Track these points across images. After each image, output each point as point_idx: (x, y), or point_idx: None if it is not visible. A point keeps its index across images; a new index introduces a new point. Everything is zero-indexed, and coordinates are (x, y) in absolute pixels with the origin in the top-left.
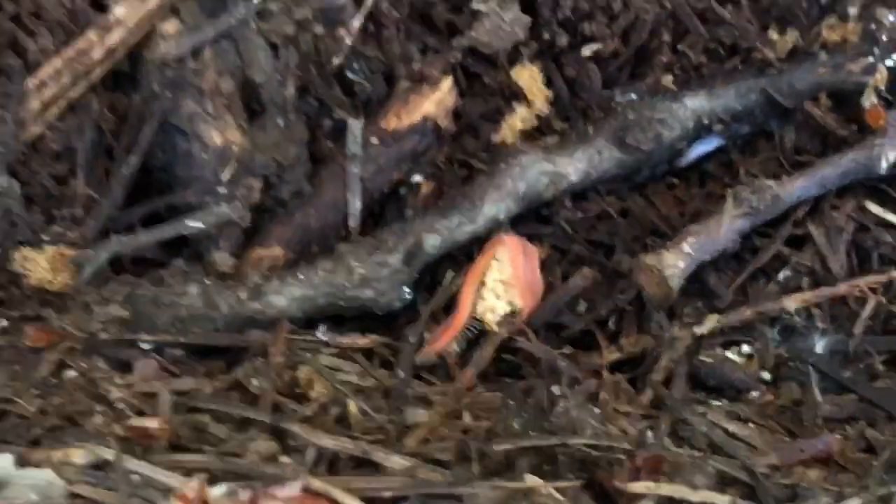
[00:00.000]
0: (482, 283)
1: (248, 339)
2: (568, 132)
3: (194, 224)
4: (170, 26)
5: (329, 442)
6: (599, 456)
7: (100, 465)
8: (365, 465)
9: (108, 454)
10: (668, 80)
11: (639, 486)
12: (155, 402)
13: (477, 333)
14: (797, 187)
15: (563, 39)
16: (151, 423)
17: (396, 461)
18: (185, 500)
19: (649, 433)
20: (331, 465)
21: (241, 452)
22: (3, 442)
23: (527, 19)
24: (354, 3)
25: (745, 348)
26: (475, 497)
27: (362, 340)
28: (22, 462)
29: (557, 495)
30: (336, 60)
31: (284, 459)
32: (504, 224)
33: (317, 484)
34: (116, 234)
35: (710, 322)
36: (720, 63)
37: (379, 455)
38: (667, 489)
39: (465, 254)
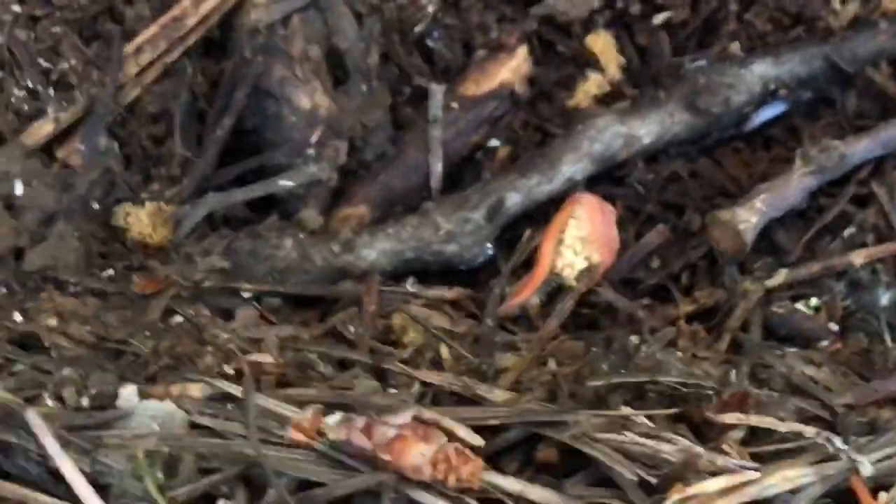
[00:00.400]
0: (561, 240)
1: (342, 290)
2: (640, 97)
3: (285, 183)
4: None
5: (431, 377)
6: (687, 393)
7: (217, 398)
8: (465, 402)
9: (226, 387)
10: (735, 47)
11: (729, 418)
12: (258, 346)
13: (556, 288)
14: (861, 147)
15: (635, 8)
16: (265, 359)
17: (498, 394)
18: (301, 429)
19: (732, 373)
20: (433, 400)
21: (348, 388)
22: (122, 379)
23: None
24: None
25: (814, 301)
26: (579, 423)
27: (449, 293)
28: (143, 395)
29: (651, 424)
30: (417, 29)
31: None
32: (580, 184)
33: (427, 413)
34: (212, 192)
35: (780, 276)
36: (785, 31)
37: (481, 389)
38: (756, 421)
39: (543, 213)
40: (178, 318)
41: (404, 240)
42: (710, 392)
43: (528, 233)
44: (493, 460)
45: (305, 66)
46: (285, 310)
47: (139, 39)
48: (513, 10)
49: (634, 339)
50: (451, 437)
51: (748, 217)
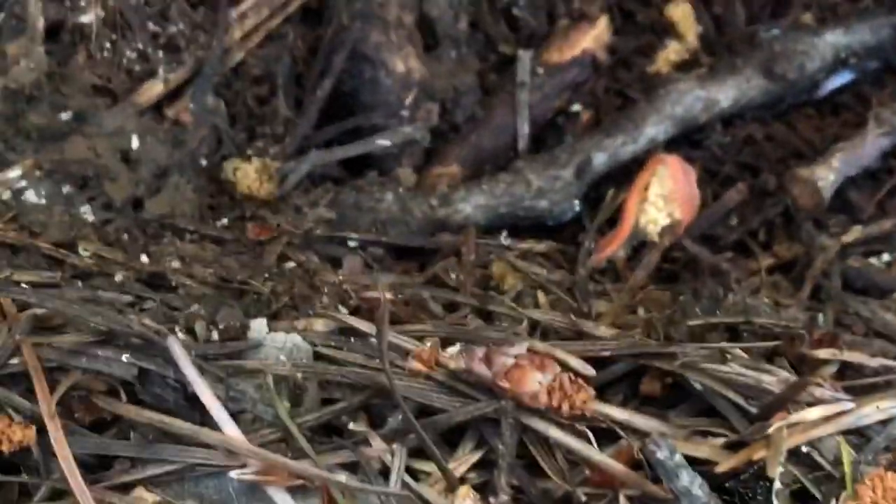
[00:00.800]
0: (645, 197)
1: (442, 241)
2: (718, 64)
3: (383, 142)
4: None
5: (539, 315)
6: (779, 333)
7: (340, 331)
8: (571, 339)
9: (349, 321)
10: (807, 17)
11: (824, 353)
12: (368, 289)
13: (640, 243)
14: None
15: None
16: (383, 294)
17: (605, 330)
18: (422, 359)
19: (819, 317)
20: (542, 336)
21: (462, 325)
22: (247, 315)
23: None
24: None
25: (886, 256)
26: (686, 353)
27: (540, 245)
28: (271, 328)
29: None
30: None
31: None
32: (661, 145)
33: (540, 345)
34: (313, 150)
35: (855, 232)
36: (854, 2)
37: (588, 325)
38: (848, 356)
39: (626, 172)
40: (291, 264)
41: (498, 195)
42: (801, 332)
43: (612, 191)
44: (600, 393)
45: (400, 32)
46: (387, 259)
47: (243, 6)
48: None
49: (719, 288)
50: (564, 367)
51: (826, 174)
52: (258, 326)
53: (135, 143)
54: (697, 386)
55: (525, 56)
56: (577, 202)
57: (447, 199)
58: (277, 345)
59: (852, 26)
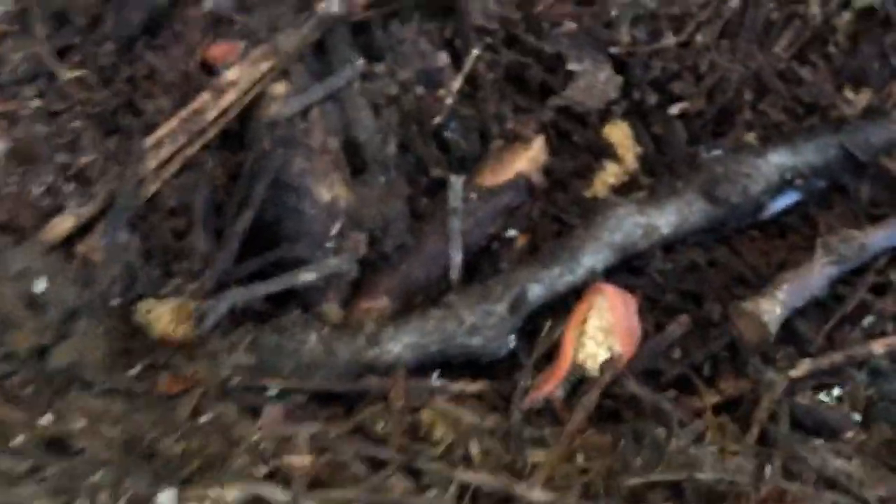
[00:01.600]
0: (583, 331)
1: (369, 385)
2: (657, 187)
3: (307, 276)
4: (279, 88)
5: (468, 477)
6: (725, 490)
7: (254, 501)
8: (503, 502)
9: (263, 490)
10: (750, 137)
11: None
12: (288, 444)
13: (578, 379)
14: (880, 237)
15: (652, 98)
16: (300, 461)
17: (538, 494)
18: None
19: (767, 469)
20: (472, 499)
21: (382, 490)
22: (155, 481)
23: (619, 79)
24: (453, 66)
25: (836, 391)
26: None
27: (473, 386)
28: (181, 500)
29: None
30: (435, 120)
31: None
32: (600, 275)
33: None
34: (233, 287)
35: (804, 366)
36: (799, 121)
37: (521, 488)
38: None
39: (563, 304)
40: (207, 417)
41: (428, 333)
42: (747, 489)
43: (548, 324)
44: None
45: (325, 158)
46: (311, 405)
47: (159, 133)
48: (529, 100)
49: (661, 431)
50: None
51: (772, 307)
52: (167, 499)
53: (41, 285)
54: None
55: (457, 180)
56: (511, 338)
57: (375, 339)
58: None
59: (797, 146)
